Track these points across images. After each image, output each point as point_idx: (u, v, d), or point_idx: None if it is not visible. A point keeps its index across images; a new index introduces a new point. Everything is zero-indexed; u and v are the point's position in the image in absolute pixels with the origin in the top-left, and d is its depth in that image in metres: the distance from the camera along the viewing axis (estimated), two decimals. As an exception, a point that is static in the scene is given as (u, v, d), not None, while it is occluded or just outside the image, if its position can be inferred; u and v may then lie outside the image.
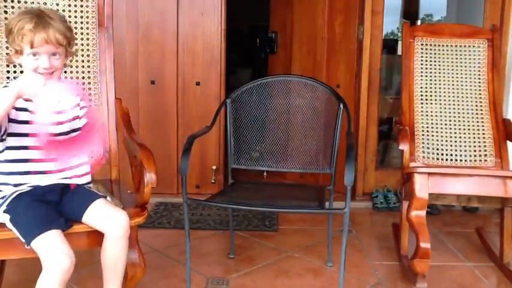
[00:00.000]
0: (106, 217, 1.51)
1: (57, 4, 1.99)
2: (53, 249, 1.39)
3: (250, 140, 2.36)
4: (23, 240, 1.42)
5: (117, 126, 2.04)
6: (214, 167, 3.34)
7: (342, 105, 2.21)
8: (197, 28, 3.30)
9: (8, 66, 1.91)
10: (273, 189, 2.38)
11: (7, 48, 1.84)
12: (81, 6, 2.03)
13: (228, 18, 3.34)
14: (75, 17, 2.01)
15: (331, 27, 3.48)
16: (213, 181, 3.34)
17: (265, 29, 4.34)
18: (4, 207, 1.49)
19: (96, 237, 1.53)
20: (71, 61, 1.95)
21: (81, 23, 2.02)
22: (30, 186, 1.55)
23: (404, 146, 2.29)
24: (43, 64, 1.46)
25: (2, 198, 1.52)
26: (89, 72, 2.04)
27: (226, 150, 2.39)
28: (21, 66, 1.59)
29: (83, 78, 2.03)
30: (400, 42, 3.94)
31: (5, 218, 1.47)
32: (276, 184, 2.72)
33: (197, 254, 2.42)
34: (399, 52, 3.98)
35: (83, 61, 2.03)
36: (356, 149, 3.33)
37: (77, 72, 2.02)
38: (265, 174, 3.50)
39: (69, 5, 2.00)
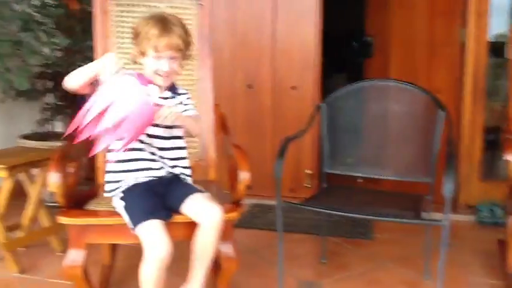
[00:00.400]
0: (202, 208, 1.61)
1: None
2: (152, 237, 1.50)
3: (345, 145, 2.34)
4: (131, 226, 1.55)
5: (214, 129, 2.13)
6: (308, 171, 3.36)
7: (441, 111, 2.13)
8: (293, 33, 3.34)
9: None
10: (367, 196, 2.34)
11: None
12: (185, 16, 2.13)
13: (324, 22, 3.35)
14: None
15: (431, 30, 3.36)
16: (307, 185, 3.36)
17: (362, 32, 4.28)
18: (120, 194, 1.65)
19: (192, 228, 1.61)
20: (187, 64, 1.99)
21: (184, 32, 2.13)
22: (144, 177, 1.67)
23: (510, 157, 2.14)
24: (163, 67, 1.61)
25: (119, 187, 1.67)
26: (190, 79, 2.14)
27: (322, 155, 2.39)
28: (140, 64, 1.70)
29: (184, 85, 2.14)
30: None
31: (120, 204, 1.62)
32: (370, 190, 2.66)
33: (289, 256, 2.45)
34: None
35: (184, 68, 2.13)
36: (458, 158, 3.18)
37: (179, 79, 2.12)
38: (360, 180, 3.45)
39: (174, 16, 2.12)
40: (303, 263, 2.41)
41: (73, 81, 1.55)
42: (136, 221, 1.54)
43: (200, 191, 1.70)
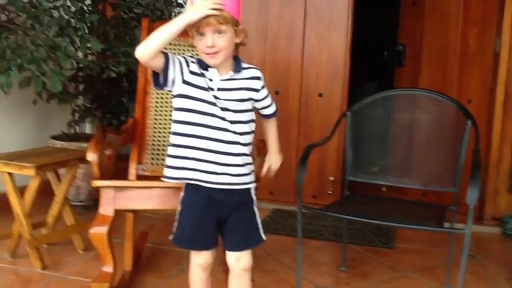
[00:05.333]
0: (236, 255, 1.59)
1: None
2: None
3: (370, 153, 2.32)
4: (171, 237, 1.57)
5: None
6: (332, 178, 3.33)
7: (469, 122, 2.08)
8: (323, 41, 3.34)
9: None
10: (390, 205, 2.31)
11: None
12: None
13: (355, 31, 3.34)
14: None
15: (464, 39, 3.29)
16: (330, 192, 3.33)
17: (393, 41, 4.23)
18: (182, 193, 1.58)
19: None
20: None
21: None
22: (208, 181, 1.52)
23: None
24: (206, 43, 1.49)
25: (181, 177, 1.54)
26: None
27: (345, 162, 2.37)
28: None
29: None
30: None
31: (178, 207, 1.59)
32: (393, 199, 2.63)
33: (309, 262, 2.43)
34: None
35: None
36: (486, 169, 3.10)
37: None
38: (384, 189, 3.41)
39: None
40: (322, 270, 2.38)
41: (153, 41, 1.41)
42: (178, 243, 1.56)
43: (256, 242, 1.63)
